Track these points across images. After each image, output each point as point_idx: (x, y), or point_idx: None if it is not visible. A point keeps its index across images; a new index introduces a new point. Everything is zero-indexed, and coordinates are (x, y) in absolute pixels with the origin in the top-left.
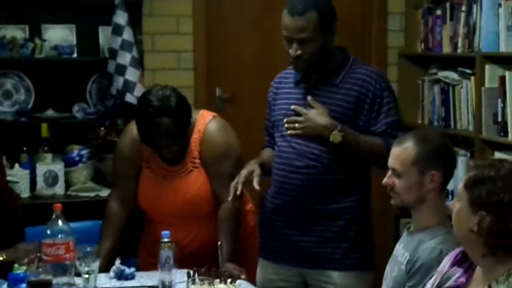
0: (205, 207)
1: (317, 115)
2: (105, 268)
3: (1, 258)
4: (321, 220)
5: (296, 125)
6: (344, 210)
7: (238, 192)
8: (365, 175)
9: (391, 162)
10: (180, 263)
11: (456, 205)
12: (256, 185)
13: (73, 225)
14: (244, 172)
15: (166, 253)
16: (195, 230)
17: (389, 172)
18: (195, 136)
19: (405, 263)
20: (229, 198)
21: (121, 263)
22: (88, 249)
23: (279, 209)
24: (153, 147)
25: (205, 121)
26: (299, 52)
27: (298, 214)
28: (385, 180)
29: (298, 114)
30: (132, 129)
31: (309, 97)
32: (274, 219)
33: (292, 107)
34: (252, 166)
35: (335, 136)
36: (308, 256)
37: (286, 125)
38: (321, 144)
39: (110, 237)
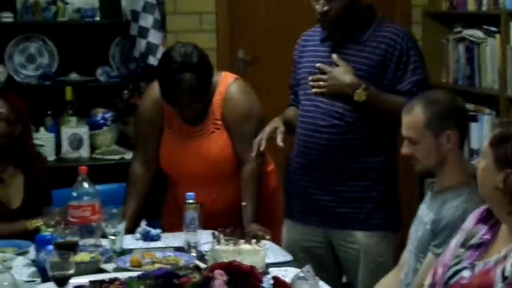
0: (227, 168)
1: (342, 73)
2: (130, 230)
3: (39, 224)
4: (345, 180)
5: (321, 83)
6: (368, 170)
7: (261, 148)
8: (390, 135)
9: (404, 131)
10: (204, 224)
11: (481, 163)
12: (279, 142)
13: (98, 187)
14: (268, 129)
15: (191, 214)
16: (217, 191)
17: (405, 142)
18: (217, 98)
19: (430, 222)
20: (252, 154)
21: (147, 225)
22: (114, 211)
23: (304, 169)
24: (175, 104)
25: (227, 83)
26: (326, 8)
27: (322, 173)
28: (403, 150)
29: (323, 72)
30: (154, 90)
31: (334, 55)
32: (298, 178)
33: (317, 65)
34: (276, 123)
35: (360, 95)
36: (333, 216)
37: (310, 83)
38: (346, 102)
39: (135, 199)
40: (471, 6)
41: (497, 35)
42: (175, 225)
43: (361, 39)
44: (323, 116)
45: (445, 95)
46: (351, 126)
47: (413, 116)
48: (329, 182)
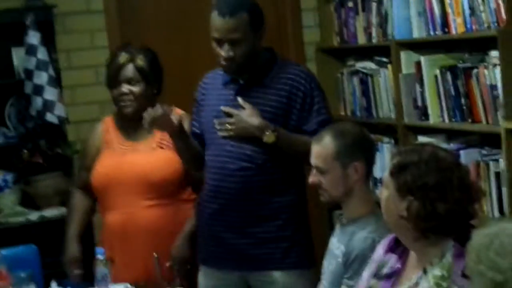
0: (162, 183)
1: (249, 116)
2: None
3: None
4: (258, 221)
5: (228, 126)
6: (280, 210)
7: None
8: (299, 174)
9: (313, 160)
10: (131, 242)
11: (383, 193)
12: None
13: (4, 252)
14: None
15: (102, 270)
16: (150, 206)
17: (313, 171)
18: None
19: (341, 255)
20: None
21: (58, 285)
22: (22, 275)
23: (216, 213)
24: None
25: (179, 111)
26: (230, 53)
27: (235, 216)
28: (311, 179)
29: (228, 115)
30: (96, 124)
31: (239, 98)
32: (211, 223)
33: (222, 108)
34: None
35: (269, 137)
36: (249, 258)
37: (216, 127)
38: (254, 144)
39: (76, 221)
40: (361, 40)
41: (389, 65)
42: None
43: (265, 82)
44: (233, 159)
45: (354, 127)
46: (262, 168)
47: (323, 146)
48: (243, 225)
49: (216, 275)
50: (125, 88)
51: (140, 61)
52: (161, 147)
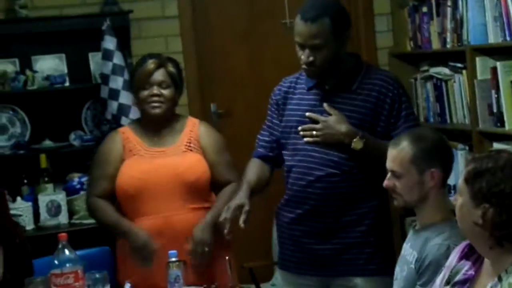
0: (195, 186)
1: (337, 122)
2: None
3: None
4: (342, 227)
5: (314, 132)
6: (364, 216)
7: (225, 231)
8: (383, 180)
9: (389, 164)
10: (169, 241)
11: (458, 199)
12: (241, 223)
13: (79, 253)
14: (232, 206)
15: (174, 272)
16: (184, 207)
17: (389, 174)
18: (189, 129)
19: (414, 262)
20: (225, 232)
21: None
22: (97, 275)
23: (299, 219)
24: (153, 83)
25: (197, 120)
26: (311, 58)
27: (319, 222)
28: (385, 183)
29: (314, 121)
30: (113, 134)
31: (325, 104)
32: (293, 228)
33: (308, 114)
34: (242, 200)
35: (357, 143)
36: (331, 263)
37: (302, 133)
38: (340, 151)
39: (121, 217)
40: (435, 45)
41: (464, 71)
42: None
43: (351, 88)
44: (319, 165)
45: (433, 133)
46: (347, 174)
47: (400, 150)
48: (326, 231)
49: (297, 280)
50: (156, 90)
51: (170, 67)
52: (190, 150)
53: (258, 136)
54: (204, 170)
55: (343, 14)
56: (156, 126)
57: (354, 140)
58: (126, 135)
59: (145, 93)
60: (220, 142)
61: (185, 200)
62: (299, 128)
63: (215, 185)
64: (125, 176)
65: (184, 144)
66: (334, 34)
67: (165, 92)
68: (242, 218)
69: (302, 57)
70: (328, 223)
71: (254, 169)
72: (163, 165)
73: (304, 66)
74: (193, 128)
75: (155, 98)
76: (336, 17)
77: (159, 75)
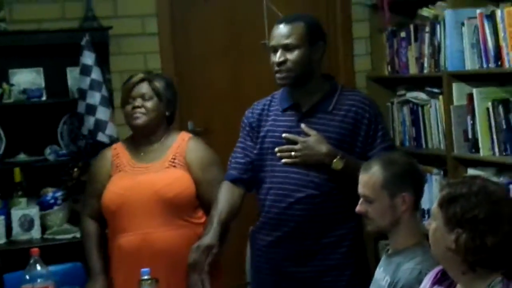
0: (176, 202)
1: (317, 143)
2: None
3: None
4: (322, 249)
5: (293, 153)
6: (344, 237)
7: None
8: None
9: (361, 189)
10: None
11: (432, 224)
12: (205, 267)
13: (52, 268)
14: (201, 247)
15: None
16: (164, 225)
17: (361, 200)
18: (177, 145)
19: (386, 286)
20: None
21: None
22: None
23: (277, 242)
24: (135, 96)
25: (188, 135)
26: (282, 58)
27: (298, 245)
28: (358, 208)
29: (291, 142)
30: (104, 151)
31: (303, 125)
32: (270, 252)
33: (285, 135)
34: (211, 241)
35: (337, 163)
36: (311, 286)
37: (279, 154)
38: (320, 172)
39: (97, 252)
40: (413, 70)
41: (440, 96)
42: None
43: (328, 108)
44: (298, 187)
45: (403, 157)
46: (327, 195)
47: (371, 175)
48: (306, 253)
49: None
50: (138, 102)
51: (155, 81)
52: (174, 166)
53: (230, 159)
54: (186, 186)
55: (317, 24)
56: (145, 141)
57: (335, 160)
58: (117, 150)
59: (129, 107)
60: (207, 158)
61: (164, 218)
62: (276, 149)
63: (200, 202)
64: (107, 192)
65: (168, 160)
66: (307, 37)
67: (147, 103)
68: (208, 260)
69: (274, 59)
70: (308, 245)
71: (225, 197)
72: (143, 181)
73: (276, 68)
74: (181, 143)
75: (137, 110)
76: (311, 23)
77: (141, 88)
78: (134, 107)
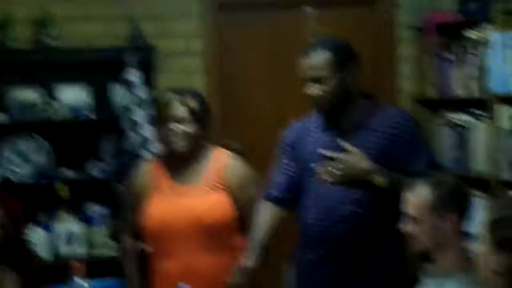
0: (216, 228)
1: (358, 159)
2: None
3: None
4: (367, 267)
5: (334, 171)
6: (388, 254)
7: None
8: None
9: (407, 209)
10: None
11: (479, 247)
12: None
13: (94, 283)
14: (243, 269)
15: None
16: (203, 252)
17: (406, 219)
18: (214, 164)
19: None
20: None
21: None
22: None
23: (320, 261)
24: (170, 118)
25: (225, 153)
26: (315, 91)
27: (343, 263)
28: (404, 228)
29: (331, 159)
30: (143, 165)
31: (342, 142)
32: (314, 272)
33: (324, 152)
34: (252, 263)
35: (379, 180)
36: None
37: (320, 172)
38: (362, 189)
39: (137, 274)
40: (458, 92)
41: (485, 119)
42: None
43: (368, 125)
44: (342, 204)
45: (450, 179)
46: (371, 212)
47: (419, 195)
48: (352, 272)
49: None
50: (174, 126)
51: (190, 101)
52: (213, 189)
53: (270, 178)
54: (225, 212)
55: (344, 47)
56: (181, 161)
57: (377, 176)
58: (155, 168)
59: (163, 130)
60: (246, 177)
61: (205, 241)
62: (317, 167)
63: (238, 220)
64: (149, 217)
65: (208, 181)
66: (335, 65)
67: (183, 127)
68: (249, 283)
69: (308, 91)
70: (353, 264)
71: (265, 218)
72: (184, 206)
73: (312, 101)
74: (220, 163)
75: (173, 134)
76: (336, 49)
77: (175, 110)
78: (170, 131)
